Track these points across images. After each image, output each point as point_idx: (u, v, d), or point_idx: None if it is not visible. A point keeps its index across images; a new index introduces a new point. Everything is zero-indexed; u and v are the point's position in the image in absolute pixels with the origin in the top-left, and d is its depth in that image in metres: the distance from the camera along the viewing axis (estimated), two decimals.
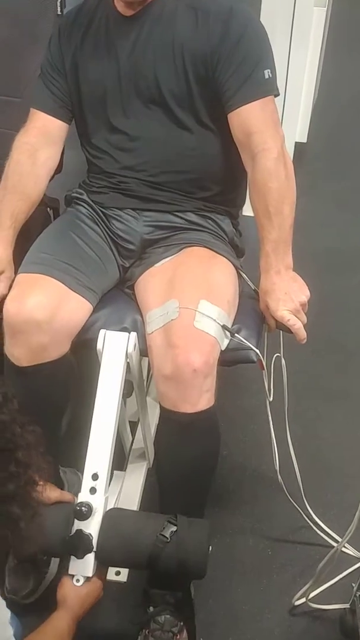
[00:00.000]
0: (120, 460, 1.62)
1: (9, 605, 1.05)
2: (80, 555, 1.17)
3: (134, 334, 1.27)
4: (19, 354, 1.29)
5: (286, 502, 1.59)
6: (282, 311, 1.28)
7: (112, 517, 1.21)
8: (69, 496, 1.26)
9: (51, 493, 1.21)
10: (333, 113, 3.41)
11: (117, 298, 1.42)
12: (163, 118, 1.38)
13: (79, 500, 1.19)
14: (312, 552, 1.55)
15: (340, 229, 2.68)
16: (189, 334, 1.20)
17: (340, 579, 1.47)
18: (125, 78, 1.38)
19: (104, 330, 1.27)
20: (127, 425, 1.62)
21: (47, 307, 1.26)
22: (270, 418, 1.42)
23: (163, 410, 1.26)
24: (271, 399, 1.38)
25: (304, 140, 2.94)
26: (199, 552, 1.17)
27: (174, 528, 1.17)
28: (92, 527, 1.17)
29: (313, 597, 1.42)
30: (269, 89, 1.33)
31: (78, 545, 1.16)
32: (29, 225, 1.47)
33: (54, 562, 1.46)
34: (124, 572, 1.49)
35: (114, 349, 1.25)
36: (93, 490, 1.19)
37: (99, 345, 1.25)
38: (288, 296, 1.29)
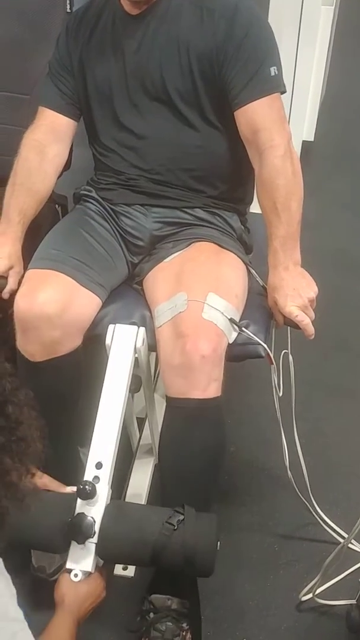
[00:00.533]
0: (127, 457, 1.63)
1: (35, 582, 1.05)
2: (81, 540, 1.11)
3: (142, 329, 1.28)
4: (33, 350, 1.30)
5: (293, 498, 1.60)
6: (290, 307, 1.29)
7: (115, 507, 1.17)
8: (68, 489, 1.21)
9: (50, 483, 1.20)
10: (340, 111, 3.41)
11: (126, 293, 1.43)
12: (169, 116, 1.39)
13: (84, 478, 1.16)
14: (319, 549, 1.55)
15: (347, 228, 2.68)
16: (198, 324, 1.21)
17: (347, 574, 1.48)
18: (132, 76, 1.39)
19: (113, 324, 1.27)
20: (135, 421, 1.63)
21: (58, 301, 1.27)
22: (279, 414, 1.42)
23: (170, 400, 1.25)
24: (281, 394, 1.38)
25: (311, 138, 2.94)
26: (207, 544, 1.13)
27: (181, 517, 1.13)
28: (94, 512, 1.13)
29: (320, 592, 1.43)
30: (275, 85, 1.34)
31: (79, 529, 1.11)
32: (37, 221, 1.48)
33: None
34: (131, 566, 1.50)
35: (123, 341, 1.26)
36: (96, 479, 1.16)
37: (108, 340, 1.26)
38: (296, 292, 1.29)
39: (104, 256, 1.42)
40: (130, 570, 1.50)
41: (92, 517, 1.12)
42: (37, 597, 1.24)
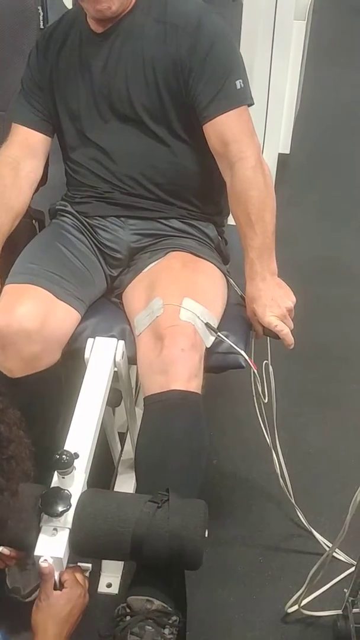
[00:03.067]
0: (109, 471, 1.62)
1: (10, 604, 0.98)
2: (56, 512, 1.00)
3: (122, 342, 1.27)
4: (11, 366, 1.29)
5: (278, 509, 1.60)
6: (269, 317, 1.29)
7: (92, 493, 1.06)
8: None
9: None
10: (315, 124, 3.44)
11: (105, 307, 1.43)
12: (138, 132, 1.40)
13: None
14: (305, 559, 1.54)
15: (322, 238, 2.71)
16: (175, 324, 1.22)
17: (333, 585, 1.48)
18: (99, 94, 1.40)
19: (92, 338, 1.27)
20: (116, 435, 1.62)
21: (36, 316, 1.27)
22: (261, 421, 1.41)
23: (149, 398, 1.21)
24: (266, 400, 1.38)
25: (287, 151, 2.96)
26: (194, 527, 0.99)
27: (165, 498, 1.02)
28: (71, 488, 1.03)
29: (306, 604, 1.42)
30: (241, 98, 1.35)
31: (54, 501, 1.00)
32: (14, 237, 1.48)
33: None
34: (115, 582, 1.49)
35: (102, 353, 1.25)
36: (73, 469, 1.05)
37: (87, 354, 1.25)
38: (274, 302, 1.30)
39: (82, 270, 1.41)
40: (115, 587, 1.49)
41: (68, 491, 1.02)
42: (12, 620, 1.14)
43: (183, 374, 1.19)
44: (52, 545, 1.00)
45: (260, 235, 1.32)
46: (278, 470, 1.51)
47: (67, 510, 1.00)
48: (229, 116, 1.33)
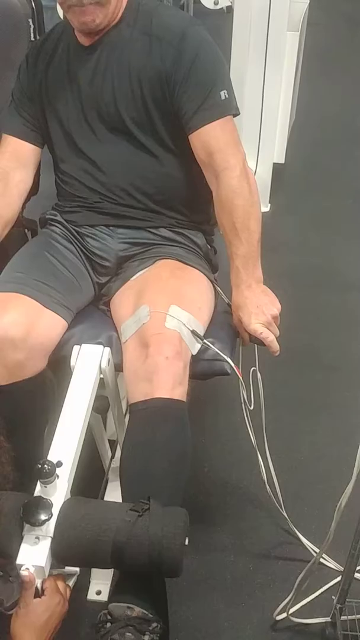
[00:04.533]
0: (99, 479, 1.62)
1: None
2: (37, 522, 1.00)
3: (107, 349, 1.28)
4: None
5: (267, 517, 1.60)
6: (254, 324, 1.30)
7: (74, 502, 1.06)
8: None
9: None
10: (310, 134, 3.47)
11: (92, 315, 1.43)
12: (127, 143, 1.41)
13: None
14: (294, 567, 1.54)
15: (316, 246, 2.72)
16: (161, 332, 1.23)
17: (322, 592, 1.48)
18: (88, 106, 1.42)
19: (78, 345, 1.28)
20: (107, 443, 1.62)
21: (21, 324, 1.28)
22: (250, 429, 1.42)
23: (134, 405, 1.22)
24: (252, 407, 1.38)
25: (282, 161, 2.99)
26: (174, 536, 1.00)
27: (146, 506, 1.02)
28: (53, 498, 1.04)
29: (295, 611, 1.42)
30: (226, 109, 1.36)
31: (36, 510, 1.00)
32: (6, 246, 1.49)
33: None
34: (105, 590, 1.49)
35: (87, 360, 1.25)
36: (56, 477, 1.06)
37: (73, 361, 1.26)
38: (260, 309, 1.31)
39: (69, 278, 1.43)
40: (104, 595, 1.49)
41: (50, 500, 1.03)
42: None
43: (167, 382, 1.20)
44: (33, 554, 1.01)
45: (245, 243, 1.33)
46: (265, 477, 1.51)
47: (49, 519, 1.01)
48: (214, 126, 1.34)
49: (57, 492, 1.05)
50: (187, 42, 1.34)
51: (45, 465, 1.02)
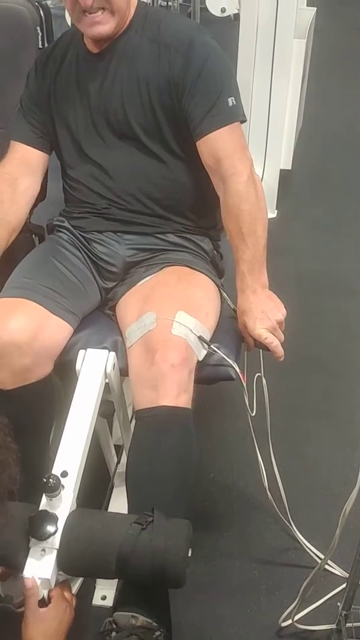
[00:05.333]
0: (105, 484, 1.62)
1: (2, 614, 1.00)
2: (43, 536, 1.03)
3: (112, 354, 1.29)
4: (2, 378, 1.30)
5: (273, 522, 1.59)
6: (259, 329, 1.30)
7: (79, 513, 1.09)
8: None
9: None
10: (317, 140, 3.47)
11: (98, 319, 1.44)
12: (135, 150, 1.43)
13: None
14: (300, 573, 1.53)
15: (323, 252, 2.72)
16: (167, 338, 1.23)
17: (327, 599, 1.47)
18: (96, 113, 1.43)
19: (84, 350, 1.28)
20: (112, 448, 1.62)
21: (27, 329, 1.28)
22: (253, 434, 1.42)
23: (139, 412, 1.23)
24: (253, 413, 1.38)
25: (289, 167, 2.99)
26: (177, 547, 1.02)
27: (149, 519, 1.04)
28: (58, 511, 1.06)
29: (300, 618, 1.41)
30: (233, 115, 1.37)
31: (42, 524, 1.03)
32: (14, 251, 1.50)
33: None
34: (110, 595, 1.49)
35: (93, 365, 1.26)
36: (62, 488, 1.09)
37: (78, 365, 1.26)
38: (265, 315, 1.31)
39: (76, 283, 1.43)
40: (109, 600, 1.49)
41: (56, 514, 1.05)
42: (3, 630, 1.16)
43: (172, 389, 1.20)
44: (40, 567, 1.03)
45: (251, 248, 1.34)
46: (266, 484, 1.51)
47: (54, 533, 1.03)
48: (221, 133, 1.35)
49: (63, 504, 1.07)
50: (195, 49, 1.35)
51: (50, 480, 1.05)
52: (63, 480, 1.08)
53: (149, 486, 1.18)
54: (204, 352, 1.28)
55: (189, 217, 1.49)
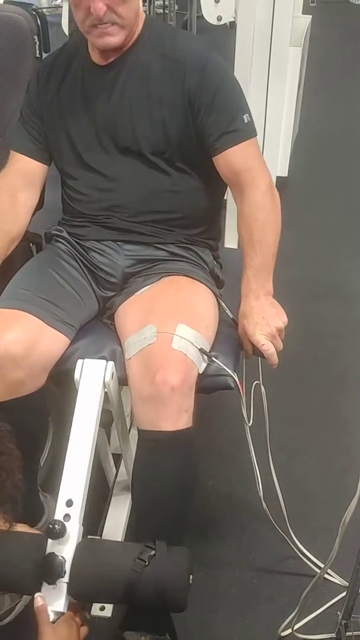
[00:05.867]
0: (104, 493, 1.62)
1: None
2: (53, 580, 1.10)
3: (111, 363, 1.28)
4: None
5: (272, 531, 1.59)
6: (258, 335, 1.30)
7: (86, 544, 1.16)
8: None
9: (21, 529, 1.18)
10: (313, 148, 3.49)
11: (96, 328, 1.44)
12: (139, 163, 1.43)
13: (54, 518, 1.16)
14: (299, 582, 1.53)
15: (319, 259, 2.73)
16: (167, 355, 1.22)
17: (327, 608, 1.47)
18: (102, 126, 1.43)
19: (82, 359, 1.28)
20: (111, 457, 1.62)
21: (23, 342, 1.27)
22: (250, 444, 1.42)
23: (141, 432, 1.26)
24: (250, 423, 1.39)
25: (285, 174, 3.00)
26: (179, 579, 1.11)
27: (152, 552, 1.11)
28: (65, 551, 1.12)
29: (300, 627, 1.41)
30: (249, 132, 1.41)
31: (50, 569, 1.10)
32: (11, 259, 1.50)
33: None
34: (108, 606, 1.48)
35: (91, 375, 1.26)
36: (67, 517, 1.15)
37: (77, 375, 1.26)
38: (265, 321, 1.31)
39: (73, 295, 1.42)
40: (108, 611, 1.48)
41: (63, 557, 1.11)
42: None
43: (172, 413, 1.21)
44: (53, 601, 1.11)
45: (260, 254, 1.36)
46: (261, 494, 1.51)
47: (63, 577, 1.11)
48: (240, 148, 1.39)
49: (70, 539, 1.13)
50: (210, 68, 1.38)
51: (56, 526, 1.10)
52: (68, 510, 1.15)
53: (152, 513, 1.27)
54: (204, 365, 1.28)
55: (191, 228, 1.50)
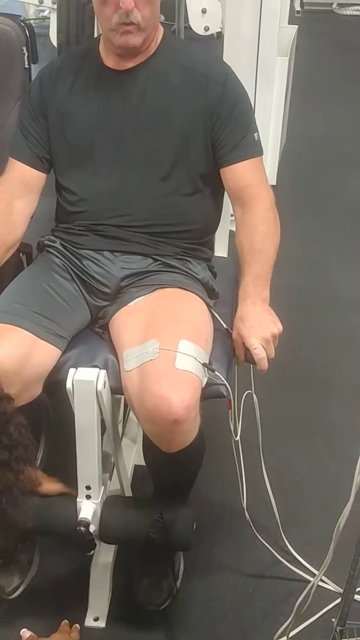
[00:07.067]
0: None
1: None
2: (86, 552, 1.35)
3: (103, 372, 1.27)
4: None
5: (266, 538, 1.59)
6: (252, 338, 1.31)
7: (113, 502, 1.39)
8: (68, 489, 1.35)
9: (49, 485, 1.32)
10: (301, 156, 3.52)
11: (88, 338, 1.43)
12: (150, 172, 1.43)
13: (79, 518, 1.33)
14: (293, 589, 1.53)
15: (309, 266, 2.75)
16: (169, 376, 1.20)
17: (322, 615, 1.47)
18: (116, 132, 1.43)
19: (74, 368, 1.27)
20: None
21: (15, 357, 1.25)
22: (235, 456, 1.45)
23: (146, 437, 1.29)
24: (238, 437, 1.42)
25: (274, 182, 3.02)
26: (184, 520, 1.33)
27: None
28: (93, 521, 1.32)
29: (294, 634, 1.41)
30: (258, 150, 1.46)
31: (82, 544, 1.31)
32: (2, 269, 1.49)
33: (37, 557, 1.52)
34: (102, 616, 1.48)
35: (85, 383, 1.25)
36: (88, 497, 1.33)
37: (69, 384, 1.25)
38: (260, 325, 1.32)
39: (64, 306, 1.41)
40: (102, 621, 1.48)
41: (93, 535, 1.33)
42: None
43: (177, 442, 1.24)
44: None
45: (260, 263, 1.39)
46: (245, 504, 1.53)
47: (94, 549, 1.37)
48: (248, 163, 1.44)
49: (94, 518, 1.35)
50: (230, 84, 1.43)
51: (82, 528, 1.31)
52: (88, 492, 1.33)
53: (164, 486, 1.46)
54: (206, 379, 1.28)
55: (192, 240, 1.51)
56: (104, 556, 1.49)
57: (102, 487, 1.36)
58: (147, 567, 1.48)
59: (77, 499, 1.34)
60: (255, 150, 1.45)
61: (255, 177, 1.44)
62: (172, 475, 1.41)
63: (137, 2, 1.31)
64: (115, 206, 1.46)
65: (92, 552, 1.38)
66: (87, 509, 1.33)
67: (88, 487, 1.32)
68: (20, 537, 1.14)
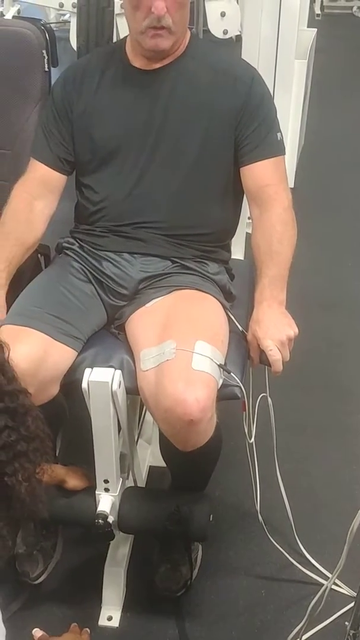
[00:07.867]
0: None
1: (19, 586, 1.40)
2: (104, 543, 1.41)
3: (118, 372, 1.28)
4: None
5: (280, 541, 1.59)
6: (268, 340, 1.31)
7: (130, 494, 1.43)
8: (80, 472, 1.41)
9: (75, 481, 1.39)
10: (319, 158, 3.50)
11: (104, 338, 1.44)
12: (176, 173, 1.44)
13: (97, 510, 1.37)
14: (306, 592, 1.53)
15: (326, 270, 2.74)
16: (186, 376, 1.21)
17: (335, 618, 1.46)
18: (142, 132, 1.44)
19: (89, 369, 1.28)
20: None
21: (31, 359, 1.26)
22: (249, 458, 1.46)
23: (162, 434, 1.32)
24: (252, 440, 1.42)
25: (292, 185, 3.00)
26: (200, 512, 1.39)
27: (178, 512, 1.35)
28: (112, 513, 1.37)
29: (307, 638, 1.40)
30: (280, 149, 1.47)
31: (101, 535, 1.35)
32: (20, 270, 1.50)
33: (60, 544, 1.58)
34: (116, 616, 1.49)
35: (100, 382, 1.26)
36: (107, 490, 1.37)
37: (84, 384, 1.26)
38: (276, 328, 1.33)
39: (82, 310, 1.42)
40: (115, 620, 1.48)
41: (111, 527, 1.37)
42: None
43: (194, 441, 1.25)
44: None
45: (276, 265, 1.39)
46: (258, 507, 1.53)
47: (112, 539, 1.41)
48: (270, 162, 1.44)
49: (112, 509, 1.39)
50: (257, 84, 1.46)
51: (100, 521, 1.35)
52: (106, 485, 1.37)
53: (187, 479, 1.51)
54: (221, 380, 1.29)
55: (212, 243, 1.51)
56: (119, 552, 1.51)
57: (120, 480, 1.38)
58: (166, 553, 1.51)
59: (96, 492, 1.37)
60: (277, 149, 1.45)
61: (275, 176, 1.44)
62: (188, 471, 1.45)
63: (169, 7, 1.33)
64: (137, 206, 1.47)
65: (110, 542, 1.42)
66: (106, 502, 1.36)
67: (106, 481, 1.35)
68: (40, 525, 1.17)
